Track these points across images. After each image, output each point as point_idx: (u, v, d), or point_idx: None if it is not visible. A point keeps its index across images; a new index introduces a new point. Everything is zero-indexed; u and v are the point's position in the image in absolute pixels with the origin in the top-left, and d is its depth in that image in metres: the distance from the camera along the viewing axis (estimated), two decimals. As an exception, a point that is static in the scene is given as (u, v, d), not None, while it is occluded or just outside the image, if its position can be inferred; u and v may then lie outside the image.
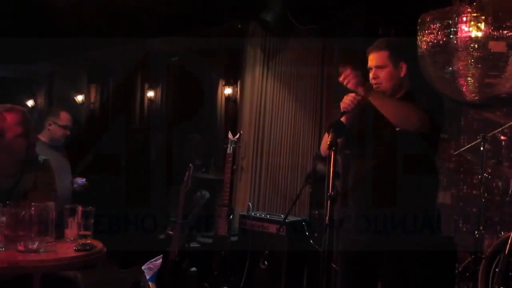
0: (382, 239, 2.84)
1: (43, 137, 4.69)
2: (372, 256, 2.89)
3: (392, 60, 2.92)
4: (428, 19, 4.40)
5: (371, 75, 2.97)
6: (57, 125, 4.75)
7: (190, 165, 5.03)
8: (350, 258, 2.97)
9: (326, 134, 2.77)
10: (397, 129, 2.83)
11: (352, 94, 2.88)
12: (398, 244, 2.80)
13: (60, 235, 2.95)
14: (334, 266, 4.11)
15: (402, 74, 2.94)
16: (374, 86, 2.93)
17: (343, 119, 2.88)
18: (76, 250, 2.80)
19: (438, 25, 4.32)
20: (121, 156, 8.35)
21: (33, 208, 2.76)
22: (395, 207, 2.81)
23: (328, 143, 2.62)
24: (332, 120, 2.82)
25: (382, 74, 2.92)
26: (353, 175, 3.03)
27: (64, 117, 4.79)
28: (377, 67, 2.93)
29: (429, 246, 2.79)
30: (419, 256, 2.78)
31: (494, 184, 4.85)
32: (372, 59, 2.96)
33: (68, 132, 4.81)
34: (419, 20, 4.46)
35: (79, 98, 10.00)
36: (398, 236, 2.81)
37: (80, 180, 4.88)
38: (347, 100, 2.87)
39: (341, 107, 2.89)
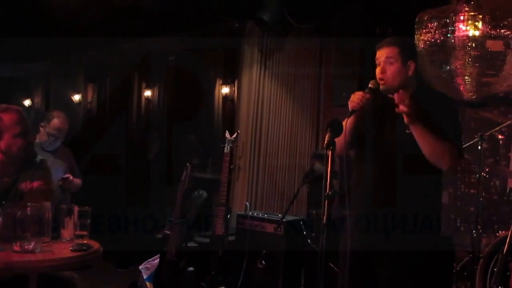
0: (384, 239, 2.81)
1: (37, 137, 4.67)
2: (373, 256, 2.87)
3: (401, 57, 2.86)
4: (425, 18, 4.38)
5: (378, 70, 2.89)
6: (45, 130, 4.65)
7: (188, 164, 5.01)
8: (352, 259, 2.94)
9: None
10: (406, 131, 2.79)
11: (360, 93, 2.83)
12: (400, 244, 2.78)
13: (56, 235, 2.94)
14: (332, 266, 4.10)
15: (410, 73, 2.88)
16: (380, 82, 2.87)
17: (351, 118, 2.81)
18: (72, 250, 2.80)
19: (435, 24, 4.31)
20: (119, 155, 8.33)
21: (29, 208, 2.75)
22: (397, 207, 2.78)
23: (325, 142, 2.59)
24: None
25: (390, 69, 2.85)
26: (355, 176, 2.98)
27: (54, 125, 4.64)
28: (387, 58, 2.86)
29: (427, 246, 2.77)
30: (418, 256, 2.76)
31: (491, 183, 4.86)
32: (382, 53, 2.89)
33: (55, 140, 4.67)
34: (417, 19, 4.45)
35: (76, 97, 10.00)
36: (400, 237, 2.78)
37: (66, 176, 4.59)
38: (355, 99, 2.81)
39: (350, 106, 2.82)
